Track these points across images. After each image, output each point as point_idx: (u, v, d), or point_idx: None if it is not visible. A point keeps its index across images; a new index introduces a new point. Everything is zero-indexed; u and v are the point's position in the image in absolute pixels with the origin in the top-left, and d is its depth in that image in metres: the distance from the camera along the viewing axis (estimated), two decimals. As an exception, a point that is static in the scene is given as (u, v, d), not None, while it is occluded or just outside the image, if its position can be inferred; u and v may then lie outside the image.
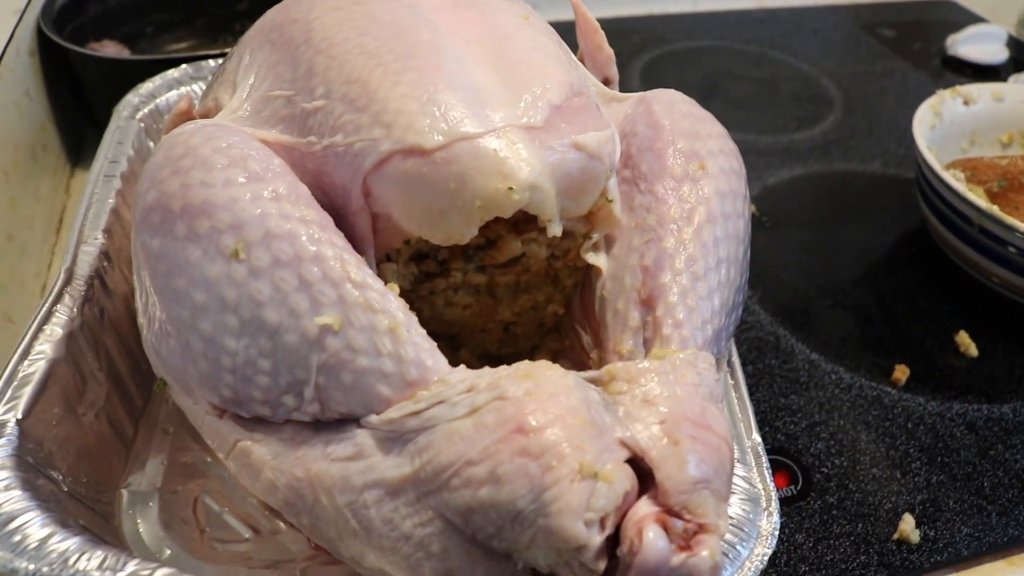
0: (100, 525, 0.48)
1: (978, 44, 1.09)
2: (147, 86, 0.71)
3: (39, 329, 0.48)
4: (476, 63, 0.45)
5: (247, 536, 0.51)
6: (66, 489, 0.46)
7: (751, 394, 0.63)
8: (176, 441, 0.55)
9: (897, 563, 0.54)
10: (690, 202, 0.47)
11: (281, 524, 0.51)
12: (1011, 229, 0.65)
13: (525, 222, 0.47)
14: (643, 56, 1.08)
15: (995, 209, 0.66)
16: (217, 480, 0.53)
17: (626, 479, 0.37)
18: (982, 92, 0.81)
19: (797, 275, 0.76)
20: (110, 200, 0.58)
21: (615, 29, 1.13)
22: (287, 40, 0.50)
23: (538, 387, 0.38)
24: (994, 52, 1.09)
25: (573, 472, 0.35)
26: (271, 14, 0.54)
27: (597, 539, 0.35)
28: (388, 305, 0.40)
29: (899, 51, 1.15)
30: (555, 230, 0.44)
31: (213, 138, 0.44)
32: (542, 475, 0.35)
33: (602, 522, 0.36)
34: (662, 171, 0.48)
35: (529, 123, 0.43)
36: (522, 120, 0.43)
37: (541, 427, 0.36)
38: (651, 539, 0.35)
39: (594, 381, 0.41)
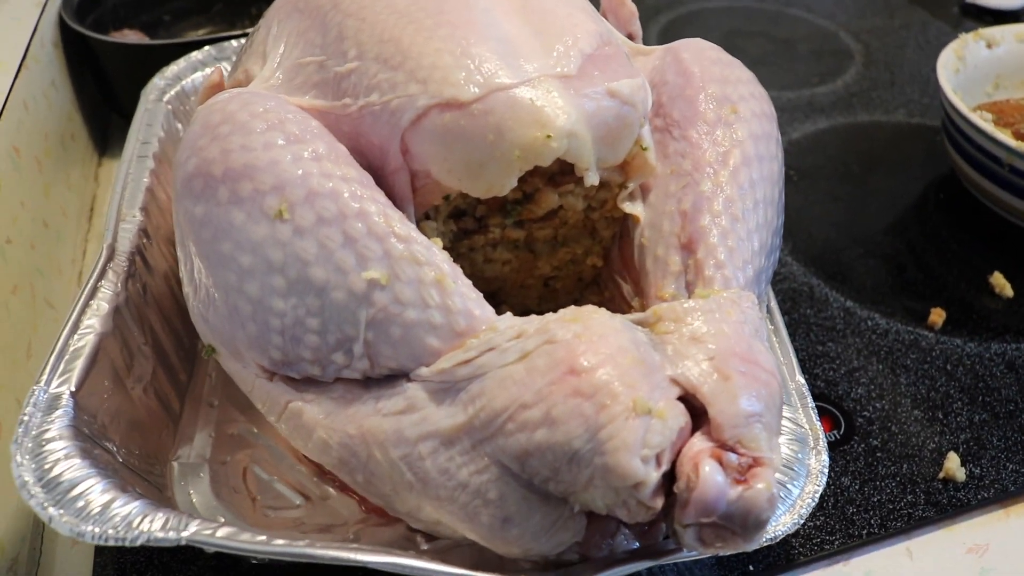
0: (156, 495, 0.48)
1: (996, -11, 1.08)
2: (172, 69, 0.71)
3: (86, 304, 0.49)
4: (505, 16, 0.46)
5: (298, 503, 0.51)
6: (121, 460, 0.46)
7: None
8: (221, 414, 0.56)
9: (944, 501, 0.54)
10: (725, 145, 0.47)
11: (331, 490, 0.52)
12: (1043, 167, 0.65)
13: (561, 174, 0.47)
14: (660, 19, 1.07)
15: (1025, 147, 0.65)
16: (265, 450, 0.54)
17: (680, 415, 0.37)
18: (1005, 34, 0.80)
19: (827, 227, 0.76)
20: (145, 180, 0.59)
21: (629, -7, 1.13)
22: (315, 7, 0.50)
23: (587, 329, 0.38)
24: (1012, -3, 1.08)
25: (627, 410, 0.36)
26: (295, -16, 0.54)
27: (654, 475, 0.36)
28: (433, 257, 0.41)
29: (917, 1, 1.14)
30: (592, 179, 0.44)
31: (249, 104, 0.44)
32: (596, 414, 0.36)
33: (658, 458, 0.36)
34: (695, 116, 0.48)
35: (563, 72, 0.43)
36: (556, 69, 0.43)
37: (592, 367, 0.37)
38: (708, 473, 0.35)
39: (640, 323, 0.41)
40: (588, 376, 0.36)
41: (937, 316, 0.66)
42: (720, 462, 0.36)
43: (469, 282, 0.41)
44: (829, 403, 0.60)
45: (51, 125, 0.74)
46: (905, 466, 0.56)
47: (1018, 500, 0.55)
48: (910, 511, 0.53)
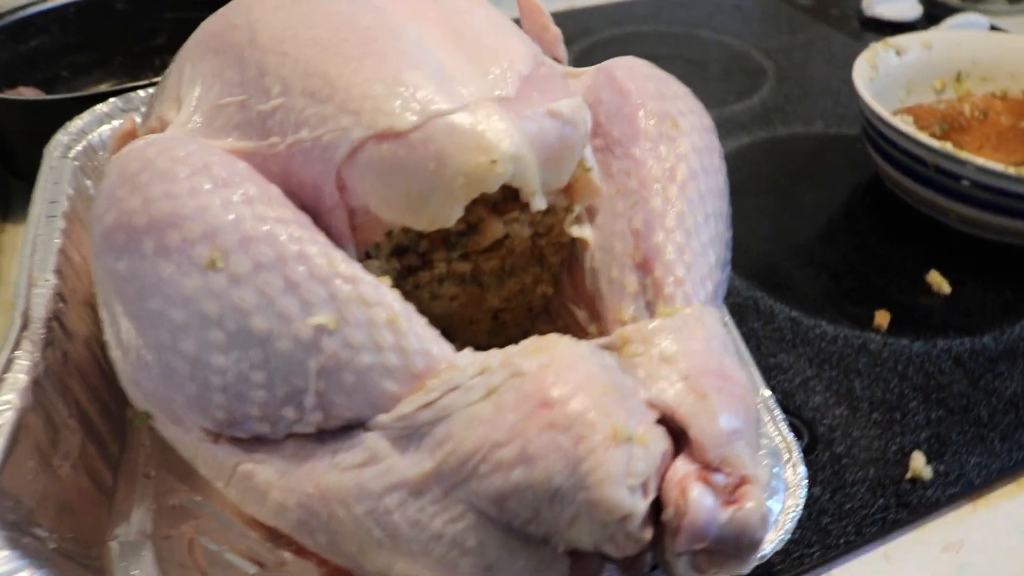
0: (93, 582, 0.45)
1: (892, 3, 1.12)
2: (76, 123, 0.67)
3: (1, 378, 0.44)
4: (436, 43, 0.44)
5: (252, 572, 0.47)
6: (53, 547, 0.42)
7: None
8: (160, 485, 0.52)
9: (915, 501, 0.54)
10: (670, 160, 0.46)
11: (287, 555, 0.48)
12: (964, 163, 0.66)
13: (505, 202, 0.46)
14: (572, 48, 1.08)
15: (948, 146, 0.67)
16: (211, 519, 0.50)
17: (661, 439, 0.35)
18: (911, 42, 0.83)
19: (761, 240, 0.76)
20: (56, 240, 0.55)
21: (542, 25, 1.13)
22: (230, 45, 0.47)
23: (553, 359, 0.36)
24: (908, 9, 1.12)
25: (607, 439, 0.34)
26: (207, 24, 0.51)
27: (642, 505, 0.34)
28: (383, 297, 0.38)
29: (820, 18, 1.18)
30: (539, 203, 0.43)
31: (168, 149, 0.41)
32: (575, 447, 0.34)
33: (644, 487, 0.34)
34: (636, 134, 0.47)
35: (502, 95, 0.42)
36: (494, 92, 0.42)
37: (564, 398, 0.35)
38: (697, 497, 0.34)
39: (607, 348, 0.39)
40: (561, 408, 0.34)
41: (882, 318, 0.66)
42: (708, 484, 0.35)
43: (423, 320, 0.39)
44: (789, 413, 0.59)
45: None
46: (872, 470, 0.56)
47: (983, 493, 0.56)
48: (883, 515, 0.53)
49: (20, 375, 0.45)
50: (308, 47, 0.44)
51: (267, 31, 0.46)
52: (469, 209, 0.45)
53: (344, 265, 0.39)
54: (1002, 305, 0.69)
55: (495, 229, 0.46)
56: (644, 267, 0.44)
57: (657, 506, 0.35)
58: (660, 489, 0.35)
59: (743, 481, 0.35)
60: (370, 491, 0.37)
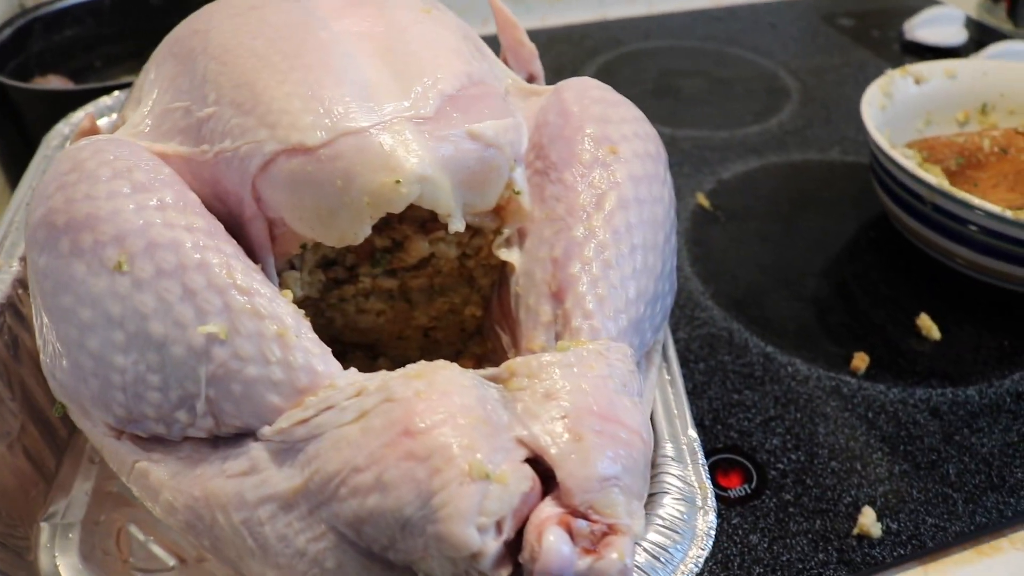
0: (11, 561, 0.46)
1: (936, 27, 1.07)
2: (78, 115, 0.69)
3: (-63, 359, 0.46)
4: (367, 59, 0.44)
5: (172, 564, 0.49)
6: (-31, 523, 0.44)
7: (703, 392, 0.61)
8: (103, 470, 0.53)
9: (858, 559, 0.51)
10: (600, 188, 0.45)
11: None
12: (965, 204, 0.63)
13: (432, 221, 0.45)
14: (597, 59, 1.06)
15: (945, 184, 0.64)
16: (143, 508, 0.50)
17: (524, 480, 0.35)
18: (933, 70, 0.79)
19: (752, 269, 0.74)
20: (28, 228, 0.57)
21: (568, 35, 1.13)
22: (187, 51, 0.48)
23: (429, 386, 0.36)
24: (953, 34, 1.07)
25: (462, 474, 0.33)
26: (177, 28, 0.52)
27: (493, 545, 0.33)
28: (277, 310, 0.39)
29: (859, 39, 1.13)
30: (456, 225, 0.42)
31: (100, 151, 0.43)
32: (429, 479, 0.33)
33: (498, 526, 0.33)
34: (571, 158, 0.46)
35: (418, 114, 0.42)
36: (411, 111, 0.42)
37: (429, 428, 0.34)
38: (551, 542, 0.33)
39: (494, 379, 0.39)
40: (423, 438, 0.34)
41: (860, 361, 0.64)
42: (569, 530, 0.34)
43: (315, 336, 0.39)
44: (742, 455, 0.57)
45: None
46: (818, 522, 0.53)
47: (936, 557, 0.53)
48: (821, 571, 0.51)
49: (-43, 357, 0.47)
50: (245, 57, 0.44)
51: (218, 39, 0.47)
52: (394, 226, 0.45)
53: (242, 276, 0.39)
54: (996, 354, 0.65)
55: (419, 247, 0.45)
56: (558, 297, 0.43)
57: (519, 546, 0.34)
58: (523, 530, 0.34)
59: (611, 530, 0.35)
60: (247, 500, 0.37)
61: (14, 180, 0.84)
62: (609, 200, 0.45)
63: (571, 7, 1.17)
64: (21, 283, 0.54)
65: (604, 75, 1.02)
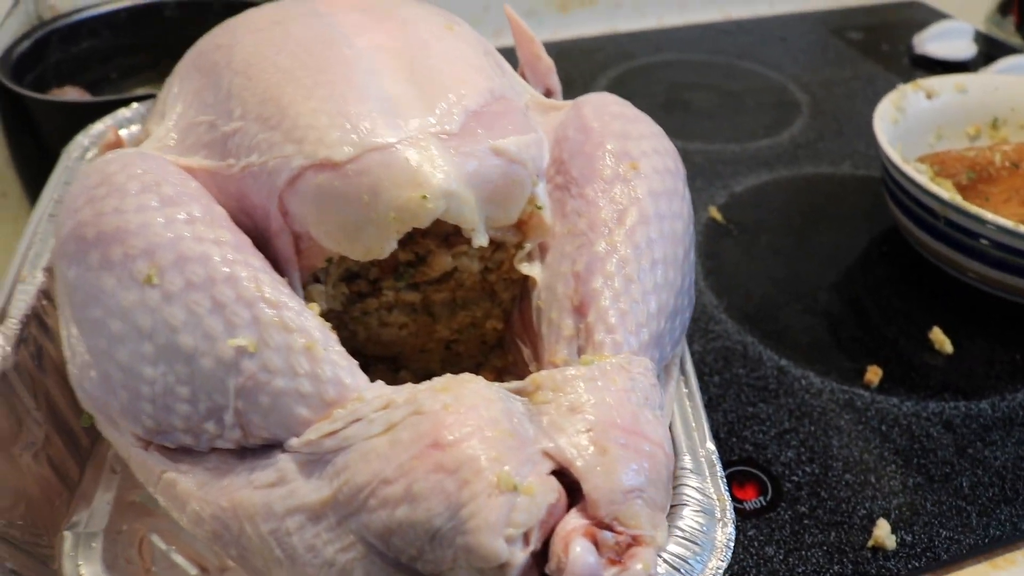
0: (36, 569, 0.47)
1: (945, 41, 1.08)
2: (97, 127, 0.70)
3: (-33, 370, 0.47)
4: (390, 75, 0.45)
5: (194, 573, 0.49)
6: (-3, 532, 0.44)
7: (718, 404, 0.62)
8: (125, 481, 0.53)
9: (873, 571, 0.52)
10: (622, 203, 0.45)
11: (230, 561, 0.49)
12: (977, 219, 0.63)
13: (455, 235, 0.46)
14: (608, 72, 1.07)
15: (958, 199, 0.64)
16: (165, 518, 0.51)
17: (551, 492, 0.35)
18: (944, 85, 0.79)
19: (765, 282, 0.75)
20: (53, 240, 0.58)
21: (580, 48, 1.13)
22: (211, 65, 0.49)
23: (457, 400, 0.36)
24: (962, 48, 1.07)
25: (491, 486, 0.34)
26: (200, 42, 0.53)
27: (520, 556, 0.34)
28: (305, 323, 0.39)
29: (868, 53, 1.14)
30: (480, 240, 0.43)
31: (128, 165, 0.43)
32: (458, 491, 0.34)
33: (526, 537, 0.34)
34: (592, 174, 0.46)
35: (443, 130, 0.42)
36: (436, 127, 0.42)
37: (457, 441, 0.35)
38: (578, 554, 0.33)
39: (519, 392, 0.39)
40: (452, 450, 0.35)
41: (873, 374, 0.64)
42: (595, 541, 0.34)
43: (342, 350, 0.40)
44: (757, 467, 0.58)
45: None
46: (833, 534, 0.54)
47: (951, 569, 0.53)
48: (836, 582, 0.51)
49: (-14, 368, 0.47)
50: (270, 72, 0.45)
51: (241, 53, 0.47)
52: (417, 241, 0.46)
53: (270, 290, 0.40)
54: (1009, 368, 0.66)
55: (443, 262, 0.46)
56: (580, 311, 0.43)
57: (547, 557, 0.35)
58: (549, 541, 0.35)
59: (636, 541, 0.35)
60: (275, 511, 0.38)
61: (32, 191, 0.85)
62: (630, 215, 0.45)
63: (582, 21, 1.18)
64: (46, 294, 0.54)
65: (615, 88, 1.03)
